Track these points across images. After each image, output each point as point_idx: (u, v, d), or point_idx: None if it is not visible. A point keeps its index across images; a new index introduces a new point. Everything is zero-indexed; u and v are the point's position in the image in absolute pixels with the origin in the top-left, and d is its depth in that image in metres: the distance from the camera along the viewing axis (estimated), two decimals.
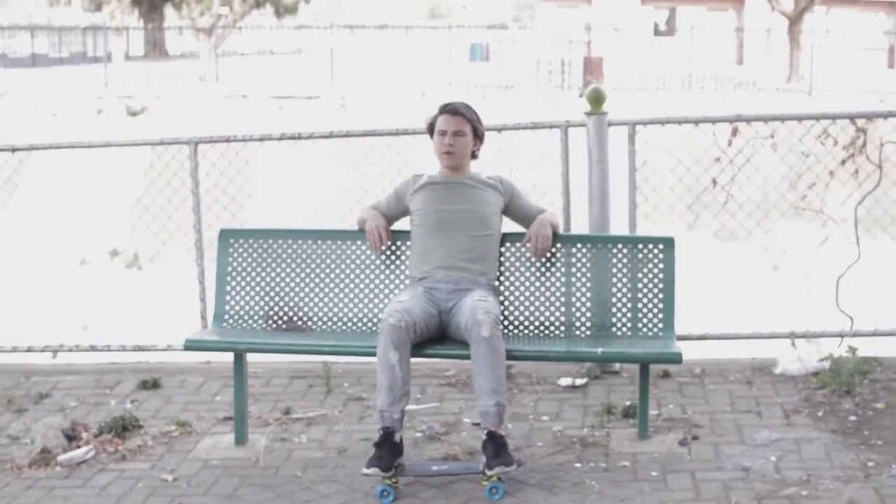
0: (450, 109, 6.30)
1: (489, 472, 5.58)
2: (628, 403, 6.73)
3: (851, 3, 43.45)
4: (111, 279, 19.19)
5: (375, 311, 6.41)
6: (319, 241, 6.53)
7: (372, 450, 5.69)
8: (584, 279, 6.36)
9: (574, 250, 6.38)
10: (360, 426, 6.64)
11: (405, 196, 6.38)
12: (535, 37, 38.49)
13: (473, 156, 6.38)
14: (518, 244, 6.39)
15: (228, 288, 6.53)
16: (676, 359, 5.92)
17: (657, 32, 43.27)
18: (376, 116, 26.47)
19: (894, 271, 7.34)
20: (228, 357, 6.45)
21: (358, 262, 6.49)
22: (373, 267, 6.47)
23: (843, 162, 7.25)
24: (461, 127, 6.25)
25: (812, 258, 7.53)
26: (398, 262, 6.45)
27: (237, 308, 6.51)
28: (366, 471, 5.59)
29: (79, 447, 6.40)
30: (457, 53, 35.59)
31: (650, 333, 6.26)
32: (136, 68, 34.96)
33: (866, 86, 32.52)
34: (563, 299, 6.35)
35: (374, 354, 5.79)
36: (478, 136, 6.34)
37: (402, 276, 6.42)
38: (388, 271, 6.46)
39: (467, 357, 5.83)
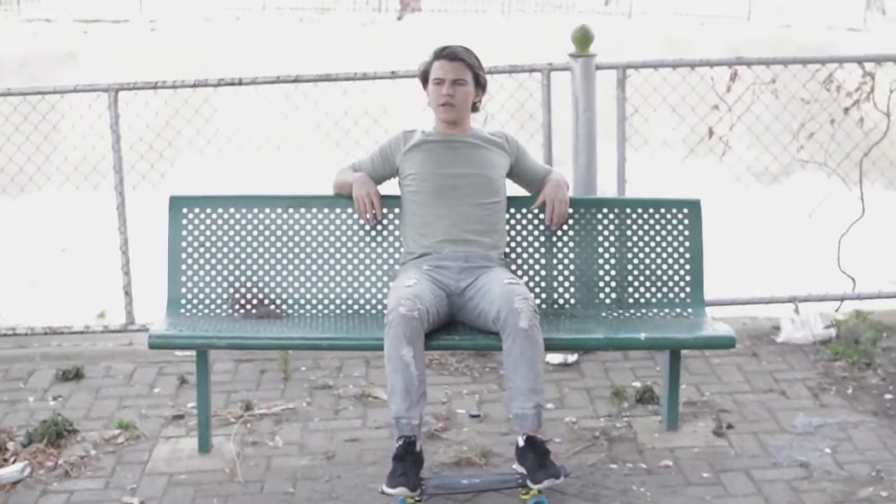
0: (448, 54, 5.36)
1: (535, 486, 4.73)
2: (638, 385, 6.00)
3: None
4: None
5: (361, 290, 5.50)
6: (292, 210, 5.55)
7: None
8: (600, 249, 5.56)
9: (589, 216, 5.55)
10: (339, 423, 5.71)
11: (394, 156, 5.44)
12: None
13: (474, 108, 5.47)
14: (525, 210, 5.53)
15: (184, 267, 5.50)
16: (729, 343, 5.16)
17: None
18: (191, 40, 25.12)
19: None
20: None
21: (338, 233, 5.54)
22: (356, 239, 5.53)
23: (847, 109, 6.58)
24: (461, 74, 5.33)
25: (813, 215, 6.85)
26: (385, 234, 5.52)
27: (196, 291, 5.49)
28: (389, 490, 4.67)
29: (6, 461, 5.32)
30: None
31: (678, 309, 5.52)
32: None
33: (684, 8, 32.37)
34: (578, 273, 5.54)
35: (379, 348, 4.88)
36: (480, 84, 5.43)
37: (392, 251, 5.50)
38: (373, 244, 5.52)
39: (494, 349, 5.01)
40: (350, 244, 5.51)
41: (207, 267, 5.49)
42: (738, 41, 26.42)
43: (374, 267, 5.50)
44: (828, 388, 6.01)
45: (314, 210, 5.53)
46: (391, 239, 5.50)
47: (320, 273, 5.50)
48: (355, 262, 5.50)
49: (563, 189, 5.47)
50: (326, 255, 5.51)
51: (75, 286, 9.59)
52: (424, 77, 5.41)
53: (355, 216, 5.48)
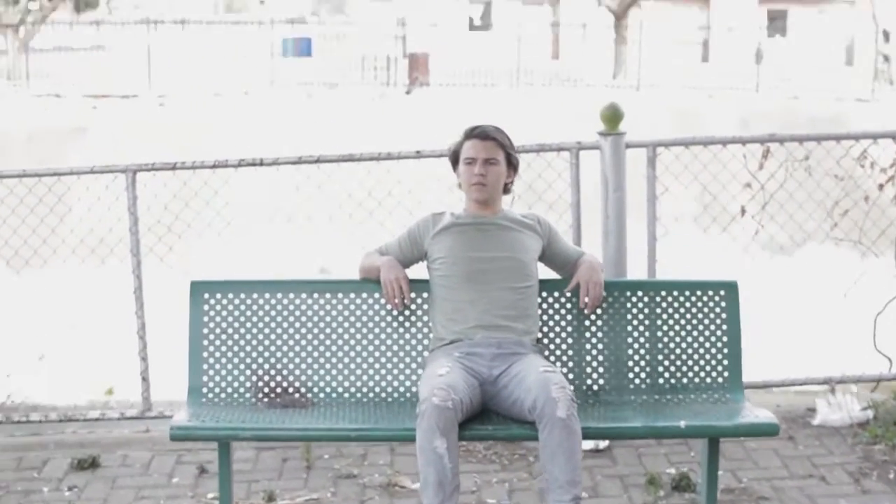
0: (479, 133, 5.22)
1: None
2: (673, 472, 5.81)
3: None
4: None
5: (388, 378, 5.31)
6: (317, 295, 5.37)
7: None
8: (635, 333, 5.37)
9: (623, 300, 5.38)
10: None
11: (423, 239, 5.28)
12: (357, 32, 37.33)
13: (506, 190, 5.32)
14: (558, 293, 5.37)
15: (206, 354, 5.31)
16: (773, 431, 4.96)
17: (472, 27, 42.58)
18: (200, 115, 25.16)
19: None
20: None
21: (365, 319, 5.36)
22: (383, 325, 5.35)
23: (882, 186, 6.42)
24: (493, 154, 5.18)
25: (847, 294, 6.69)
26: (413, 320, 5.34)
27: (217, 380, 5.30)
28: None
29: None
30: (278, 49, 34.23)
31: (716, 395, 5.32)
32: None
33: (690, 81, 32.49)
34: (612, 358, 5.35)
35: (410, 439, 4.71)
36: (512, 164, 5.29)
37: (420, 336, 5.33)
38: (401, 330, 5.34)
39: (529, 439, 4.83)
40: (377, 330, 5.34)
41: (230, 354, 5.31)
42: (748, 113, 26.50)
43: (402, 353, 5.32)
44: (869, 472, 5.82)
45: (340, 295, 5.36)
46: (419, 325, 5.33)
47: (346, 360, 5.32)
48: (383, 348, 5.32)
49: (597, 272, 5.31)
50: (353, 342, 5.33)
51: (86, 362, 9.44)
52: (455, 158, 5.27)
53: (382, 301, 5.31)
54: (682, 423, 4.91)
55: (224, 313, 5.34)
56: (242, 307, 5.35)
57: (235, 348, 5.32)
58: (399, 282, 5.21)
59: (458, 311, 5.10)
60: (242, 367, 5.31)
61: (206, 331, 5.33)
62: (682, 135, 6.72)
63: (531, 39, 36.42)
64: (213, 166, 6.34)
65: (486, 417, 4.93)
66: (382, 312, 5.34)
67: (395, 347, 5.33)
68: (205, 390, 5.27)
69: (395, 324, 5.33)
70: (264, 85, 30.60)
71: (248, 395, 5.27)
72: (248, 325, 5.33)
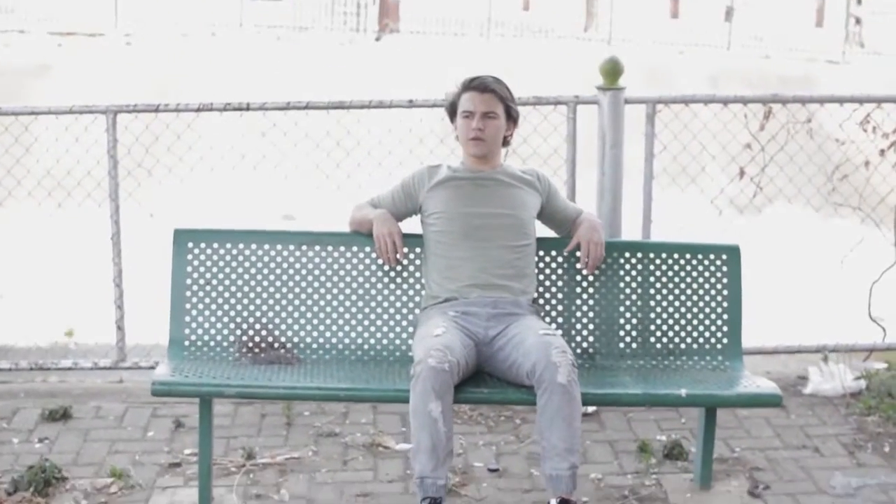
0: (477, 85, 5.01)
1: None
2: (664, 439, 5.66)
3: None
4: None
5: (378, 335, 5.14)
6: (305, 247, 5.17)
7: None
8: (634, 296, 5.22)
9: (622, 261, 5.22)
10: (348, 474, 5.32)
11: (418, 192, 5.07)
12: None
13: (505, 143, 5.12)
14: (555, 253, 5.20)
15: (188, 306, 5.11)
16: (775, 401, 4.82)
17: None
18: (167, 56, 24.76)
19: None
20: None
21: (355, 273, 5.17)
22: (374, 280, 5.16)
23: (883, 152, 6.26)
24: (492, 107, 4.98)
25: (844, 261, 6.54)
26: (405, 276, 5.16)
27: (200, 333, 5.10)
28: None
29: None
30: None
31: (714, 362, 5.18)
32: None
33: (660, 36, 32.28)
34: (609, 321, 5.19)
35: (402, 400, 4.55)
36: (511, 117, 5.08)
37: (412, 293, 5.15)
38: (392, 286, 5.16)
39: (526, 403, 4.67)
40: (367, 285, 5.15)
41: (213, 306, 5.11)
42: (718, 71, 26.36)
43: (392, 310, 5.14)
44: (863, 444, 5.69)
45: (329, 248, 5.16)
46: (412, 281, 5.14)
47: (335, 316, 5.13)
48: (373, 304, 5.14)
49: (598, 231, 5.13)
50: (342, 297, 5.14)
51: (49, 305, 9.22)
52: (452, 109, 5.07)
53: (373, 255, 5.12)
54: (683, 392, 4.76)
55: (209, 263, 5.14)
56: (228, 258, 5.15)
57: (220, 300, 5.12)
58: (392, 236, 5.02)
59: (453, 269, 4.92)
60: (226, 319, 5.11)
61: (189, 281, 5.12)
62: (655, 91, 6.51)
63: None
64: (198, 109, 6.08)
65: (481, 380, 4.76)
66: (373, 267, 5.15)
67: (386, 304, 5.15)
68: (187, 343, 5.07)
69: (386, 279, 5.15)
70: (233, 27, 30.18)
71: (231, 349, 5.08)
72: (234, 276, 5.14)
